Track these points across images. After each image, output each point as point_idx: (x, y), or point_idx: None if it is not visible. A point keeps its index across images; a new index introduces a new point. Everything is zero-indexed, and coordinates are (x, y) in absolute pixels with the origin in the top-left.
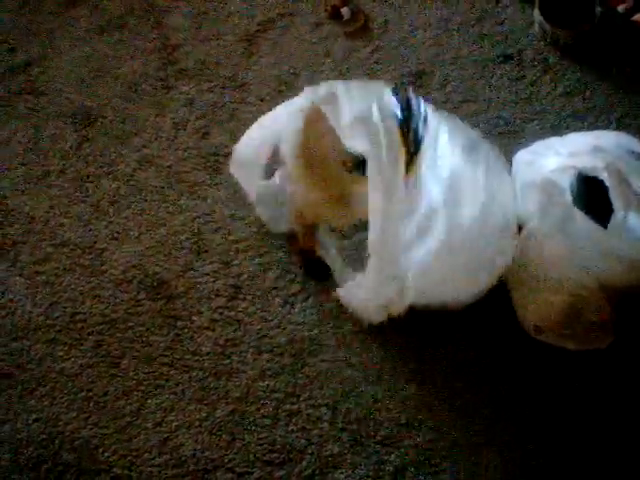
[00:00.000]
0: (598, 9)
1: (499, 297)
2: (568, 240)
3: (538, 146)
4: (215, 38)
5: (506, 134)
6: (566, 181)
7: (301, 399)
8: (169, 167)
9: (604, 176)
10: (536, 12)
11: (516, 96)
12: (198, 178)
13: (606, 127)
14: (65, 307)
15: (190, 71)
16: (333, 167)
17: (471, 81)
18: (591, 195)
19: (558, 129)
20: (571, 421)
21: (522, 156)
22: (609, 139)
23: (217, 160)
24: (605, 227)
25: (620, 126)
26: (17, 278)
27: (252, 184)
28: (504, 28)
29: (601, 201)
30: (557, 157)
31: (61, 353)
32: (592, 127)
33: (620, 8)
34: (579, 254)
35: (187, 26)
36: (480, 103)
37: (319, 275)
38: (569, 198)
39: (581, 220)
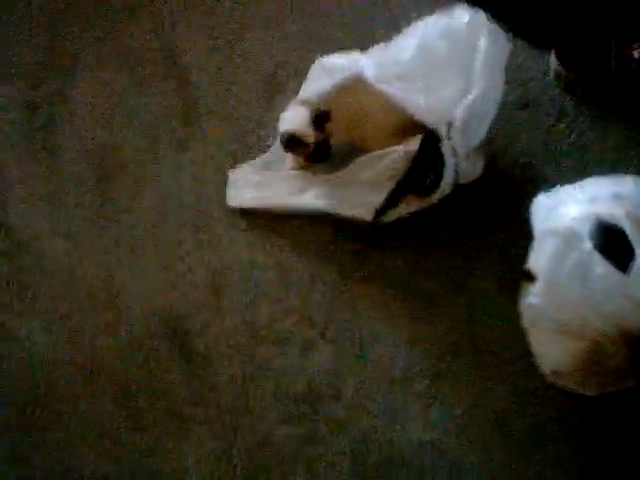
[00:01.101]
0: (614, 55)
1: None
2: (588, 285)
3: (557, 192)
4: (235, 78)
5: (524, 180)
6: (585, 228)
7: (319, 445)
8: (188, 207)
9: (624, 223)
10: (552, 58)
11: (534, 143)
12: (218, 224)
13: (624, 172)
14: (82, 345)
15: (211, 115)
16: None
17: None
18: (611, 242)
19: (576, 175)
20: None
21: (541, 202)
22: (628, 185)
23: (237, 208)
24: (625, 273)
25: (638, 172)
26: (34, 319)
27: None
28: (520, 74)
29: (621, 248)
30: (576, 204)
31: (77, 391)
32: (610, 172)
33: (635, 54)
34: (599, 300)
35: (207, 65)
36: (497, 150)
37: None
38: (588, 245)
39: (601, 266)
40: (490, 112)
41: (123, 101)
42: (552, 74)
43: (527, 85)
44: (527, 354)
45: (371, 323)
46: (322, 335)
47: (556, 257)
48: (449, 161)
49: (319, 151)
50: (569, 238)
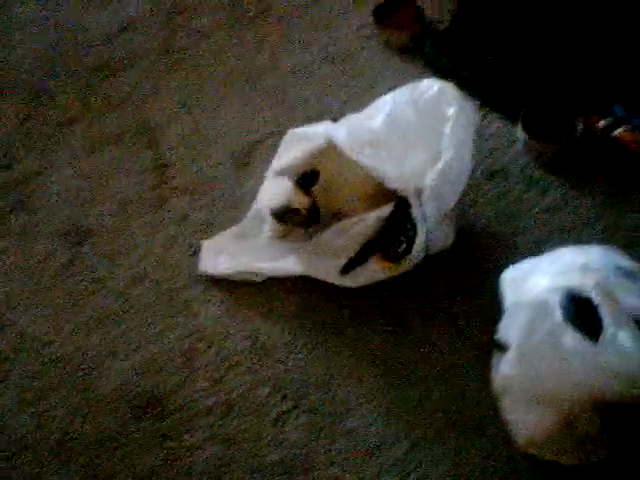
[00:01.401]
0: (580, 125)
1: None
2: (559, 356)
3: (526, 264)
4: (207, 156)
5: (493, 249)
6: (555, 299)
7: None
8: (161, 284)
9: (593, 294)
10: (519, 128)
11: (503, 211)
12: (190, 294)
13: (591, 240)
14: (54, 426)
15: (182, 189)
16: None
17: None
18: (580, 312)
19: (545, 243)
20: None
21: (510, 274)
22: (596, 255)
23: (209, 277)
24: (595, 343)
25: (605, 239)
26: (7, 396)
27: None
28: (489, 144)
29: (591, 318)
30: (546, 275)
31: (50, 474)
32: (577, 240)
33: (600, 124)
34: (570, 369)
35: (180, 144)
36: (468, 219)
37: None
38: (559, 315)
39: (571, 336)
40: (460, 179)
41: (97, 180)
42: (520, 143)
43: (496, 154)
44: (499, 421)
45: (346, 392)
46: (296, 405)
47: (527, 328)
48: (420, 227)
49: (311, 215)
50: (539, 309)
